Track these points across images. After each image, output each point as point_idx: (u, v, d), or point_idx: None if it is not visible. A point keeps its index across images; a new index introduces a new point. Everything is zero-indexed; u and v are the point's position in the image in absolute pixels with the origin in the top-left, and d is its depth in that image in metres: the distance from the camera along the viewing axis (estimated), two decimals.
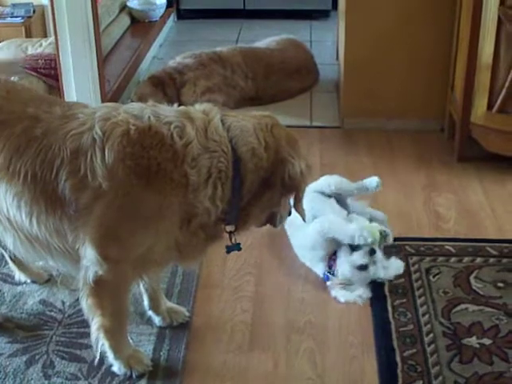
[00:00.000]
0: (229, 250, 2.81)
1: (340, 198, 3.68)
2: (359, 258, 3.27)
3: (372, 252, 3.28)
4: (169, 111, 2.59)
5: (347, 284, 3.28)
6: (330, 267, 3.34)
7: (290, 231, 3.59)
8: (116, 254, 2.55)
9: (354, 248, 3.30)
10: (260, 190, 2.64)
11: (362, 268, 3.27)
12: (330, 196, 3.63)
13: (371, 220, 3.56)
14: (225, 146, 2.55)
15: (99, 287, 2.60)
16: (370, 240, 3.27)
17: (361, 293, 3.25)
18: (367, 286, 3.30)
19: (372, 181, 3.70)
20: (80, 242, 2.55)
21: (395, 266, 3.37)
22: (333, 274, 3.32)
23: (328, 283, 3.32)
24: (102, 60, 4.80)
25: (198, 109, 2.64)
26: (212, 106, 2.68)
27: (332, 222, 3.38)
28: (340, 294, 3.26)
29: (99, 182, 2.45)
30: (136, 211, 2.50)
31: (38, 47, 5.36)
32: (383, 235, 3.33)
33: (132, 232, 2.54)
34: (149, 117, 2.52)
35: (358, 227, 3.32)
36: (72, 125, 2.53)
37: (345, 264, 3.29)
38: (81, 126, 2.52)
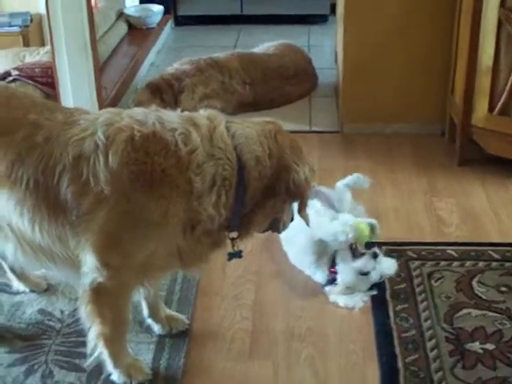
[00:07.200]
0: (230, 257, 2.81)
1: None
2: (364, 264, 3.24)
3: (375, 256, 3.25)
4: (173, 117, 2.57)
5: (348, 292, 3.25)
6: (332, 280, 3.30)
7: (285, 246, 3.55)
8: (117, 261, 2.52)
9: (354, 254, 3.27)
10: (263, 196, 2.62)
11: (365, 273, 3.25)
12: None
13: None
14: (230, 154, 2.53)
15: (99, 294, 2.58)
16: (351, 235, 3.24)
17: (360, 297, 3.23)
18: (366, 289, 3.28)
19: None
20: (81, 248, 2.52)
21: (388, 265, 3.32)
22: (334, 283, 3.28)
23: (326, 289, 3.30)
24: (99, 67, 4.78)
25: (203, 115, 2.62)
26: (216, 112, 2.66)
27: (316, 222, 3.30)
28: (339, 299, 3.23)
29: (102, 188, 2.43)
30: (139, 217, 2.47)
31: (36, 55, 5.36)
32: (371, 227, 3.30)
33: (134, 238, 2.51)
34: (153, 122, 2.50)
35: (339, 223, 3.28)
36: (74, 131, 2.51)
37: (347, 271, 3.25)
38: (83, 132, 2.50)
